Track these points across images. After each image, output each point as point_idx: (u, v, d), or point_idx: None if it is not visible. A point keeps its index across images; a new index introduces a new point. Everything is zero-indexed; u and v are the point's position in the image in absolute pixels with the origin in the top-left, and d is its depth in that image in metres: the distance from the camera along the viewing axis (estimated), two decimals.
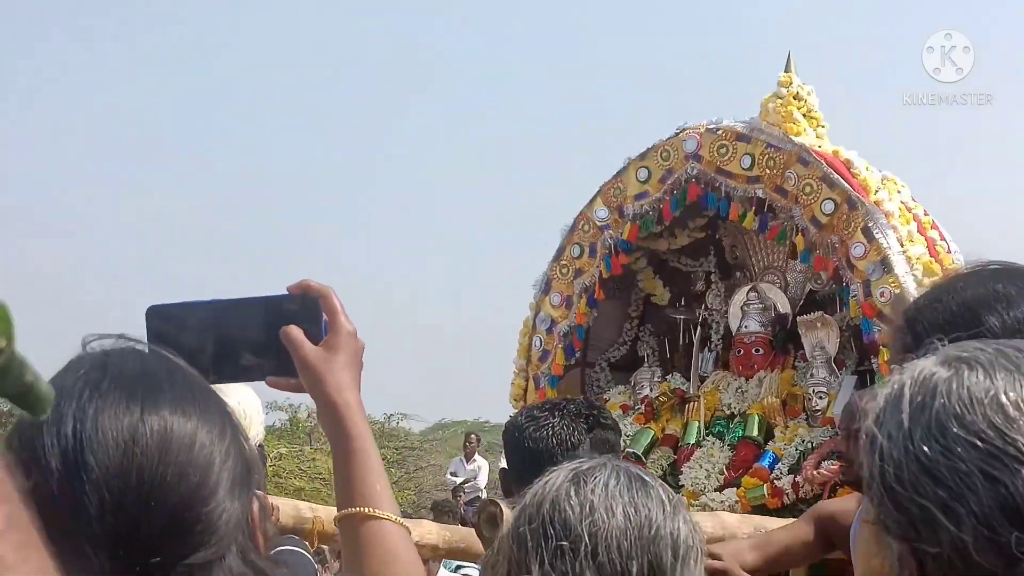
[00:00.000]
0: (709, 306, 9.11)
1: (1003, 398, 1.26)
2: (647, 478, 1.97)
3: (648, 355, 9.18)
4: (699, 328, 8.94)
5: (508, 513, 4.35)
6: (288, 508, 5.43)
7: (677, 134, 8.44)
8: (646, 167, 8.48)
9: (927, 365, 1.34)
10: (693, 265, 9.30)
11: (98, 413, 1.25)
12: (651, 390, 8.74)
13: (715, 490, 7.81)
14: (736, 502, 7.63)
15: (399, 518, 1.81)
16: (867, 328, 7.53)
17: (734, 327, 8.73)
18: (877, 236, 7.57)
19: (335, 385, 1.75)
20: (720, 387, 8.51)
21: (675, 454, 8.33)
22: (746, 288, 8.72)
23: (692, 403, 8.47)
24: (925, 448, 1.27)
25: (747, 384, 8.41)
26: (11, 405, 0.85)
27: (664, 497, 1.93)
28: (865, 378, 8.06)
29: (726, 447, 8.13)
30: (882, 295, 7.47)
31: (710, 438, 8.25)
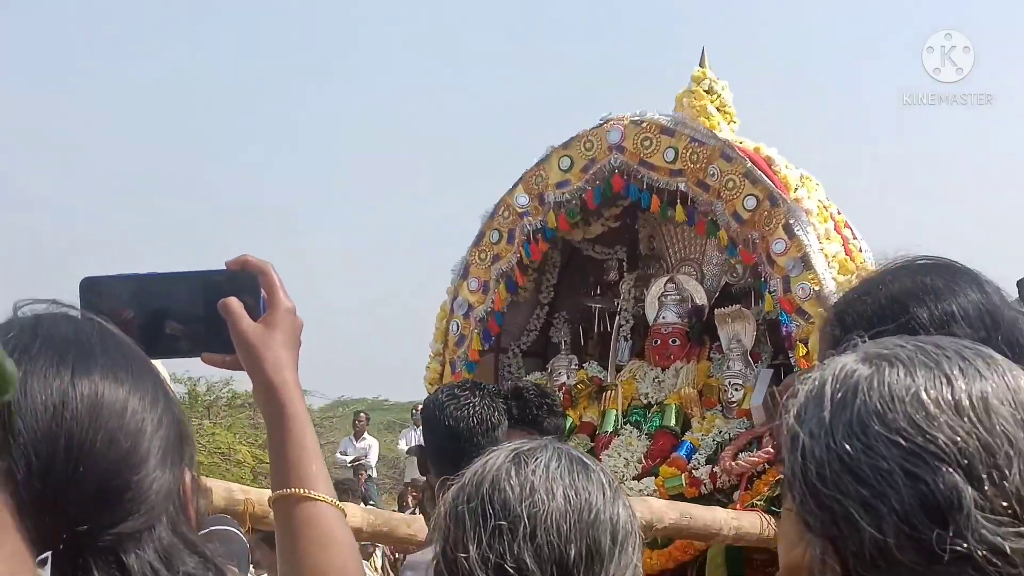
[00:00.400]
0: (623, 295, 9.20)
1: (924, 396, 1.27)
2: (588, 462, 1.96)
3: (562, 343, 9.24)
4: (616, 317, 9.02)
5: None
6: (220, 490, 5.36)
7: (601, 124, 8.50)
8: (569, 156, 8.53)
9: (848, 362, 1.35)
10: (607, 253, 9.38)
11: (27, 376, 1.20)
12: (568, 377, 8.82)
13: (633, 479, 7.91)
14: (654, 491, 7.74)
15: (335, 500, 1.77)
16: (786, 321, 7.68)
17: (651, 317, 8.83)
18: (798, 233, 7.71)
19: (273, 363, 1.70)
20: (637, 376, 8.62)
21: (592, 441, 8.42)
22: (663, 279, 8.83)
23: (609, 391, 8.56)
24: (847, 446, 1.27)
25: (664, 374, 8.53)
26: None
27: (604, 481, 1.93)
28: (780, 371, 8.23)
29: (644, 436, 8.24)
30: (801, 291, 7.62)
31: (628, 427, 8.35)
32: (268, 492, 1.87)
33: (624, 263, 9.28)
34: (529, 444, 1.96)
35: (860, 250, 8.28)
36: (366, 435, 17.31)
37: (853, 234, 8.41)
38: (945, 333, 1.73)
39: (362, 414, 18.43)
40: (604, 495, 1.88)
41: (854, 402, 1.29)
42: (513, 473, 1.86)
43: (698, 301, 8.75)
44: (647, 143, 8.23)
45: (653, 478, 7.90)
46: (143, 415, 1.25)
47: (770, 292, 7.82)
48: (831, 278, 7.70)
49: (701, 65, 9.04)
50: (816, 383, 1.36)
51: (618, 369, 8.84)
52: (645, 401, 8.48)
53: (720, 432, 7.98)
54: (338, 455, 18.20)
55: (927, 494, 1.25)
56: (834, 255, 7.85)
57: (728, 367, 8.30)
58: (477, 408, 3.96)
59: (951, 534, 1.24)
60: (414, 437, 16.41)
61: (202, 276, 1.71)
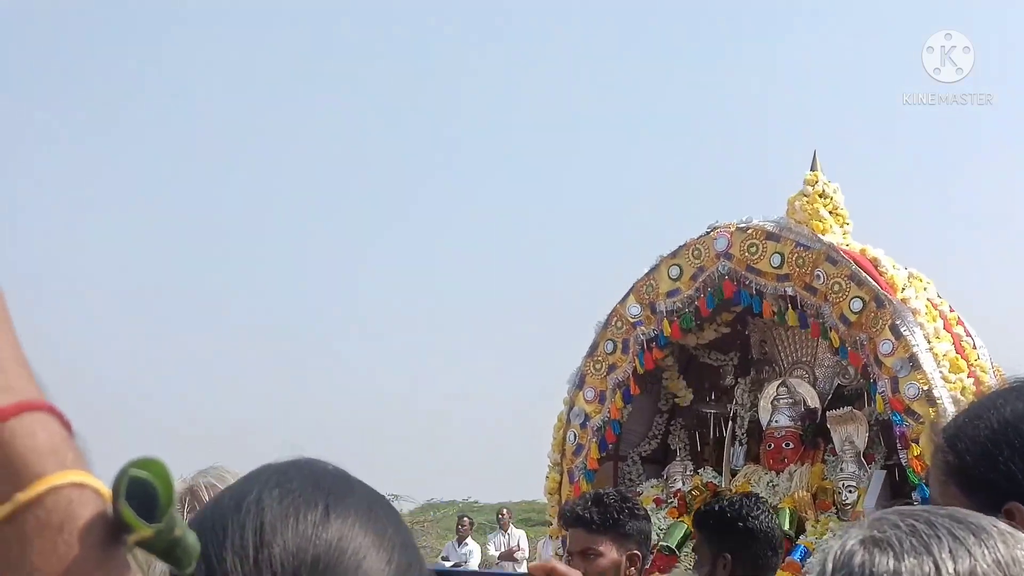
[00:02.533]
0: (737, 400, 9.29)
1: None
2: None
3: (679, 448, 9.34)
4: (731, 422, 9.11)
5: None
6: None
7: (708, 232, 8.69)
8: (678, 265, 8.71)
9: (848, 543, 1.37)
10: (722, 360, 9.50)
11: (278, 520, 1.19)
12: (684, 483, 8.91)
13: None
14: None
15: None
16: (898, 421, 7.70)
17: (764, 421, 8.90)
18: (905, 333, 7.76)
19: None
20: (752, 480, 8.67)
21: None
22: (776, 383, 8.91)
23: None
24: None
25: (778, 478, 8.57)
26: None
27: None
28: (894, 472, 8.22)
29: None
30: (910, 391, 7.65)
31: None
32: None
33: (738, 367, 9.37)
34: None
35: (974, 347, 8.28)
36: (468, 540, 17.16)
37: (966, 331, 8.40)
38: None
39: (465, 518, 17.97)
40: None
41: None
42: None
43: (811, 404, 8.80)
44: (753, 249, 8.38)
45: None
46: (384, 566, 1.21)
47: (880, 393, 7.86)
48: (940, 377, 7.71)
49: (812, 168, 9.17)
50: (820, 570, 1.39)
51: (733, 474, 8.91)
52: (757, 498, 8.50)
53: (834, 534, 7.95)
54: (440, 560, 18.17)
55: None
56: (944, 354, 7.87)
57: (842, 469, 8.32)
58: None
59: None
60: (503, 541, 16.40)
61: None
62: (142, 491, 0.82)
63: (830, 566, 1.36)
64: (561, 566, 1.82)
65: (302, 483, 1.23)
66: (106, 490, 0.83)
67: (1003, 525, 1.36)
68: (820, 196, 9.06)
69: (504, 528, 16.54)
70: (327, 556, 1.18)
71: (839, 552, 1.36)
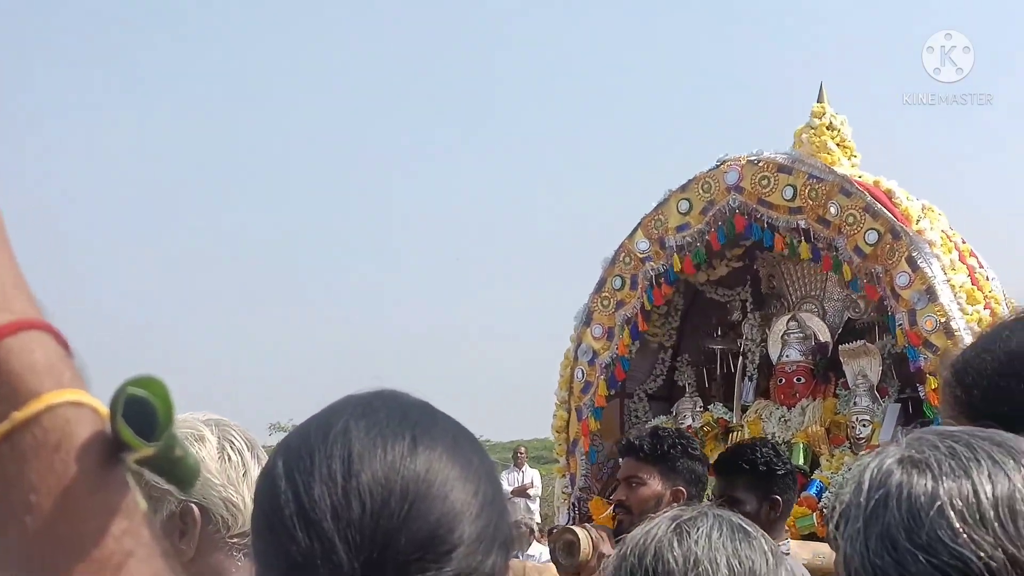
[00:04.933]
0: (746, 335, 9.20)
1: (948, 510, 1.27)
2: (749, 528, 1.94)
3: (687, 385, 9.25)
4: (740, 357, 9.02)
5: (585, 541, 4.43)
6: None
7: (718, 166, 8.55)
8: (687, 199, 8.58)
9: (886, 461, 1.36)
10: (729, 295, 9.39)
11: (365, 452, 1.19)
12: (693, 420, 8.82)
13: None
14: (786, 530, 7.68)
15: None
16: (913, 356, 7.63)
17: (774, 356, 8.81)
18: (921, 265, 7.67)
19: None
20: (763, 416, 8.59)
21: None
22: (786, 317, 8.82)
23: (736, 432, 8.54)
24: (878, 560, 1.30)
25: (790, 413, 8.49)
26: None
27: (767, 548, 1.91)
28: (908, 406, 8.16)
29: None
30: (928, 323, 7.57)
31: None
32: None
33: (748, 303, 9.27)
34: (689, 512, 1.95)
35: (988, 279, 8.20)
36: (525, 466, 17.16)
37: (979, 263, 8.32)
38: None
39: (521, 448, 18.14)
40: (767, 562, 1.87)
41: (884, 514, 1.31)
42: (676, 544, 1.85)
43: (821, 338, 8.72)
44: (765, 182, 8.25)
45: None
46: (468, 499, 1.22)
47: (898, 326, 7.77)
48: (958, 309, 7.63)
49: (819, 101, 9.04)
50: (857, 482, 1.38)
51: (743, 410, 8.82)
52: (772, 441, 8.43)
53: (849, 468, 7.91)
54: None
55: None
56: (960, 285, 7.79)
57: (855, 403, 8.25)
58: None
59: None
60: (516, 478, 16.38)
61: None
62: (141, 410, 0.81)
63: (866, 484, 1.34)
64: None
65: (388, 414, 1.24)
66: (104, 409, 0.81)
67: None
68: (827, 128, 8.95)
69: (519, 466, 16.58)
70: (415, 486, 1.18)
71: (876, 470, 1.34)
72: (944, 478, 1.29)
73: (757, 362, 9.09)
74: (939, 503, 1.27)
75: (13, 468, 0.79)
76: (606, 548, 4.31)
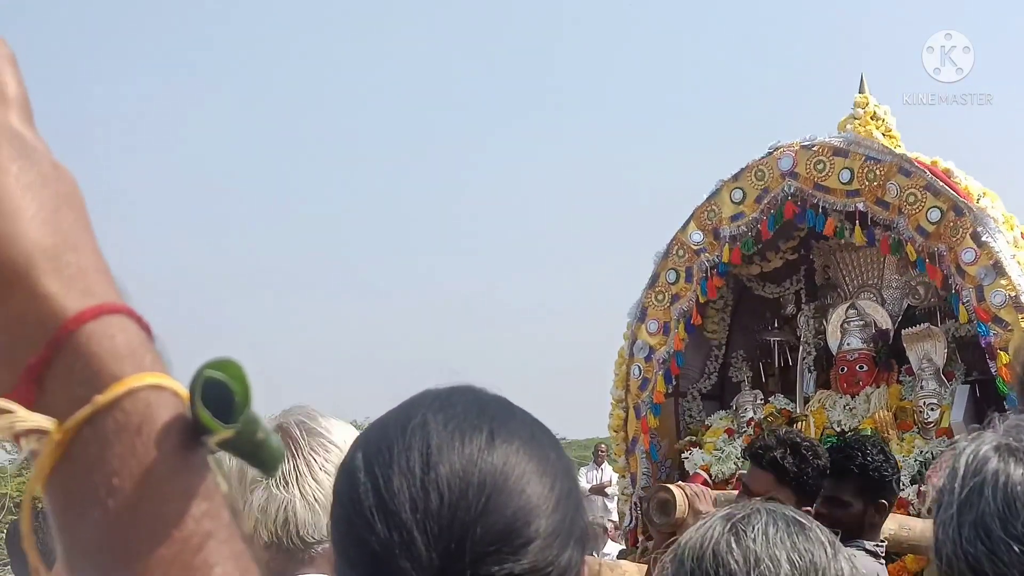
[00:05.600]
0: (802, 327, 9.07)
1: None
2: (804, 521, 1.91)
3: (745, 380, 9.11)
4: (801, 347, 8.89)
5: (680, 499, 4.28)
6: None
7: (770, 153, 8.44)
8: (740, 188, 8.47)
9: (983, 448, 1.33)
10: (777, 291, 9.27)
11: (443, 446, 1.21)
12: (756, 413, 8.67)
13: None
14: None
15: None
16: (984, 332, 7.49)
17: (834, 346, 8.68)
18: (987, 240, 7.55)
19: None
20: (826, 405, 8.44)
21: None
22: (844, 306, 8.69)
23: (800, 423, 8.39)
24: (971, 549, 1.28)
25: (854, 401, 8.35)
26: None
27: (824, 539, 1.88)
28: (975, 387, 8.02)
29: None
30: (996, 298, 7.44)
31: None
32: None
33: (802, 294, 9.14)
34: (742, 510, 1.91)
35: None
36: (605, 464, 17.07)
37: None
38: None
39: (602, 445, 18.09)
40: (826, 552, 1.83)
41: (979, 502, 1.29)
42: (734, 544, 1.81)
43: (882, 325, 8.58)
44: (820, 166, 8.15)
45: None
46: (547, 494, 1.23)
47: (963, 304, 7.64)
48: None
49: (860, 91, 8.94)
50: (953, 467, 1.36)
51: (805, 401, 8.67)
52: (838, 429, 8.29)
53: (921, 452, 7.78)
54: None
55: None
56: None
57: (921, 387, 8.10)
58: None
59: None
60: (595, 476, 16.25)
61: None
62: (219, 393, 0.81)
63: (962, 470, 1.32)
64: None
65: (466, 408, 1.26)
66: (184, 392, 0.81)
67: None
68: (872, 118, 8.84)
69: (599, 463, 16.53)
70: (492, 480, 1.20)
71: (972, 457, 1.32)
72: None
73: (814, 354, 8.95)
74: None
75: (95, 451, 0.79)
76: (703, 505, 4.18)
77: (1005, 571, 1.25)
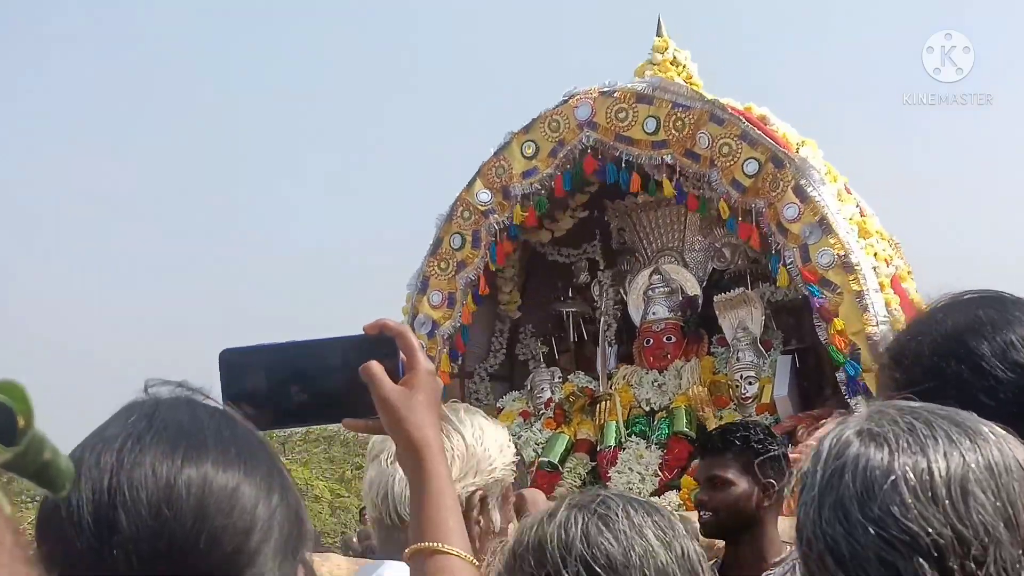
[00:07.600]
0: (598, 296, 8.22)
1: (902, 484, 1.27)
2: (650, 502, 1.86)
3: (538, 356, 8.20)
4: (601, 319, 8.01)
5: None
6: None
7: (566, 101, 7.52)
8: (532, 141, 7.52)
9: (846, 432, 1.33)
10: (575, 255, 8.38)
11: (135, 467, 1.18)
12: (554, 392, 7.76)
13: (652, 494, 6.85)
14: (680, 504, 6.70)
15: (469, 555, 1.72)
16: (815, 293, 6.73)
17: (636, 316, 7.84)
18: (811, 194, 6.81)
19: (416, 423, 1.68)
20: (633, 382, 7.60)
21: (593, 460, 7.36)
22: (647, 271, 7.85)
23: (604, 402, 7.52)
24: (830, 530, 1.29)
25: (663, 376, 7.52)
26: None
27: (672, 518, 1.83)
28: (795, 357, 7.32)
29: (654, 446, 7.20)
30: (823, 258, 6.71)
31: (632, 438, 7.32)
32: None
33: (598, 260, 8.27)
34: (578, 498, 1.81)
35: (869, 214, 7.41)
36: None
37: (859, 198, 7.55)
38: (1008, 364, 1.73)
39: None
40: (676, 531, 1.78)
41: (839, 484, 1.30)
42: (604, 529, 1.75)
43: (689, 292, 7.79)
44: (622, 115, 7.27)
45: (676, 491, 6.88)
46: (253, 512, 1.20)
47: (786, 265, 6.87)
48: (855, 242, 6.80)
49: (659, 35, 8.10)
50: (815, 454, 1.35)
51: (608, 377, 7.79)
52: (647, 408, 7.47)
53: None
54: None
55: None
56: (850, 217, 6.97)
57: (737, 359, 7.34)
58: None
59: None
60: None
61: (341, 342, 1.73)
62: (1, 416, 0.80)
63: (824, 453, 1.34)
64: (392, 322, 1.70)
65: (166, 426, 1.23)
66: None
67: (1000, 431, 1.34)
68: (672, 64, 8.03)
69: None
70: (194, 499, 1.17)
71: (835, 440, 1.34)
72: (900, 453, 1.31)
73: (615, 326, 8.09)
74: (893, 477, 1.29)
75: None
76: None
77: (861, 552, 1.26)
